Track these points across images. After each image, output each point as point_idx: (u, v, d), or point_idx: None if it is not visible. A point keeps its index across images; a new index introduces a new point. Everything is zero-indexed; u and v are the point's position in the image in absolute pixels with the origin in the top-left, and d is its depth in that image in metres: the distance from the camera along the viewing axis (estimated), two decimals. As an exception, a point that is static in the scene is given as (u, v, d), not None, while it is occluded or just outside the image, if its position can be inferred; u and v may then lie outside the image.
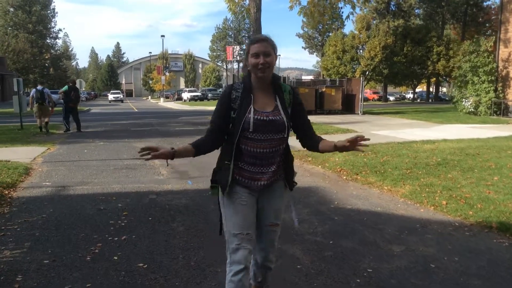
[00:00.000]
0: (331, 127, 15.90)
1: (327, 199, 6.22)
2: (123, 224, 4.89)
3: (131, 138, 13.55)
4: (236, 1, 24.16)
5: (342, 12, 23.95)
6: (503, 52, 19.60)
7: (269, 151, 2.58)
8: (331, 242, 4.42)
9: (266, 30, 23.78)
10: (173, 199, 6.03)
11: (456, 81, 21.82)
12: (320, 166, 8.87)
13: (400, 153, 9.61)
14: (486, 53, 19.98)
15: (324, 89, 22.50)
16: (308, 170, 8.59)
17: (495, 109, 19.50)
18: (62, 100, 16.19)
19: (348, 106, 22.92)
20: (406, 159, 8.91)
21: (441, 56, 52.01)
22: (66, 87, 16.03)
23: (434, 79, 60.89)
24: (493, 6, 59.24)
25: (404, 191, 6.57)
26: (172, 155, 2.52)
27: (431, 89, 63.45)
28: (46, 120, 15.26)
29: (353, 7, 25.47)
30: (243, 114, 2.52)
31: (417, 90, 67.88)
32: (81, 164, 8.83)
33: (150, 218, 5.10)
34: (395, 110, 27.65)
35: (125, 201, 5.87)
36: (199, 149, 2.64)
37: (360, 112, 22.49)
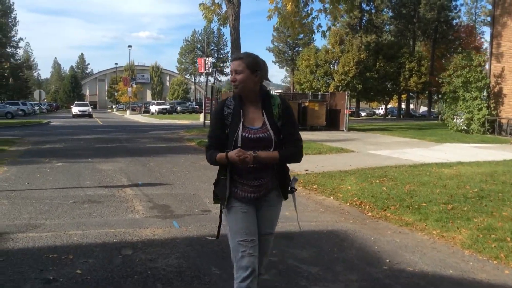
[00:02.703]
0: (322, 145, 14.34)
1: (370, 253, 4.53)
2: (84, 315, 3.05)
3: (95, 158, 11.56)
4: (212, 8, 22.55)
5: (321, 25, 22.55)
6: (495, 67, 18.64)
7: (258, 165, 2.58)
8: None
9: (242, 41, 22.27)
10: (158, 257, 4.21)
11: (445, 97, 20.72)
12: (332, 197, 7.22)
13: (422, 180, 8.08)
14: (479, 68, 19.00)
15: (307, 104, 21.01)
16: (319, 202, 6.92)
17: (487, 127, 18.44)
18: None
19: (332, 122, 21.49)
20: (435, 188, 7.36)
21: (413, 72, 51.87)
22: None
23: (405, 95, 60.88)
24: (462, 25, 60.24)
25: (462, 237, 4.98)
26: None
27: (402, 106, 63.31)
28: None
29: (335, 19, 24.21)
30: (234, 131, 2.60)
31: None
32: (30, 195, 6.86)
33: (126, 300, 3.27)
34: (377, 126, 26.44)
35: (86, 263, 4.00)
36: None
37: (345, 129, 21.09)
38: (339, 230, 5.37)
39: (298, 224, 2.95)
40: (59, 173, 9.03)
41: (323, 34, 24.86)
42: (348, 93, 21.28)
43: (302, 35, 52.07)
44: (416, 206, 6.29)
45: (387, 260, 4.29)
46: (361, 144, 15.23)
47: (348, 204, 6.77)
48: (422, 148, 13.84)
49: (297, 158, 2.68)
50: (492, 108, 18.55)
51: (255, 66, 2.62)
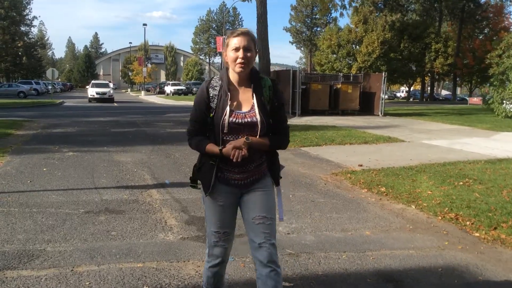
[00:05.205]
0: (364, 133, 12.71)
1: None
2: None
3: (111, 145, 10.09)
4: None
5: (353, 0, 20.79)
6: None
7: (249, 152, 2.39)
8: None
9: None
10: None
11: (493, 80, 18.83)
12: (413, 206, 5.63)
13: (517, 183, 6.47)
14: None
15: (339, 86, 19.25)
16: (400, 214, 5.34)
17: (542, 113, 16.63)
18: None
19: (366, 105, 19.75)
20: (545, 196, 5.76)
21: (440, 53, 49.59)
22: None
23: (428, 77, 58.58)
24: (489, 4, 57.12)
25: None
26: None
27: (425, 88, 60.96)
28: None
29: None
30: (220, 116, 2.38)
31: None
32: (31, 201, 5.39)
33: None
34: (411, 110, 24.67)
35: None
36: None
37: (381, 113, 19.36)
38: (456, 265, 3.80)
39: (280, 216, 2.58)
40: (70, 166, 7.56)
41: (355, 9, 23.06)
42: (385, 74, 19.44)
43: (332, 11, 49.73)
44: (539, 225, 4.70)
45: None
46: (407, 131, 13.56)
47: (439, 217, 5.19)
48: (482, 138, 12.15)
49: (285, 145, 2.56)
50: (546, 92, 16.71)
51: (256, 44, 2.46)
